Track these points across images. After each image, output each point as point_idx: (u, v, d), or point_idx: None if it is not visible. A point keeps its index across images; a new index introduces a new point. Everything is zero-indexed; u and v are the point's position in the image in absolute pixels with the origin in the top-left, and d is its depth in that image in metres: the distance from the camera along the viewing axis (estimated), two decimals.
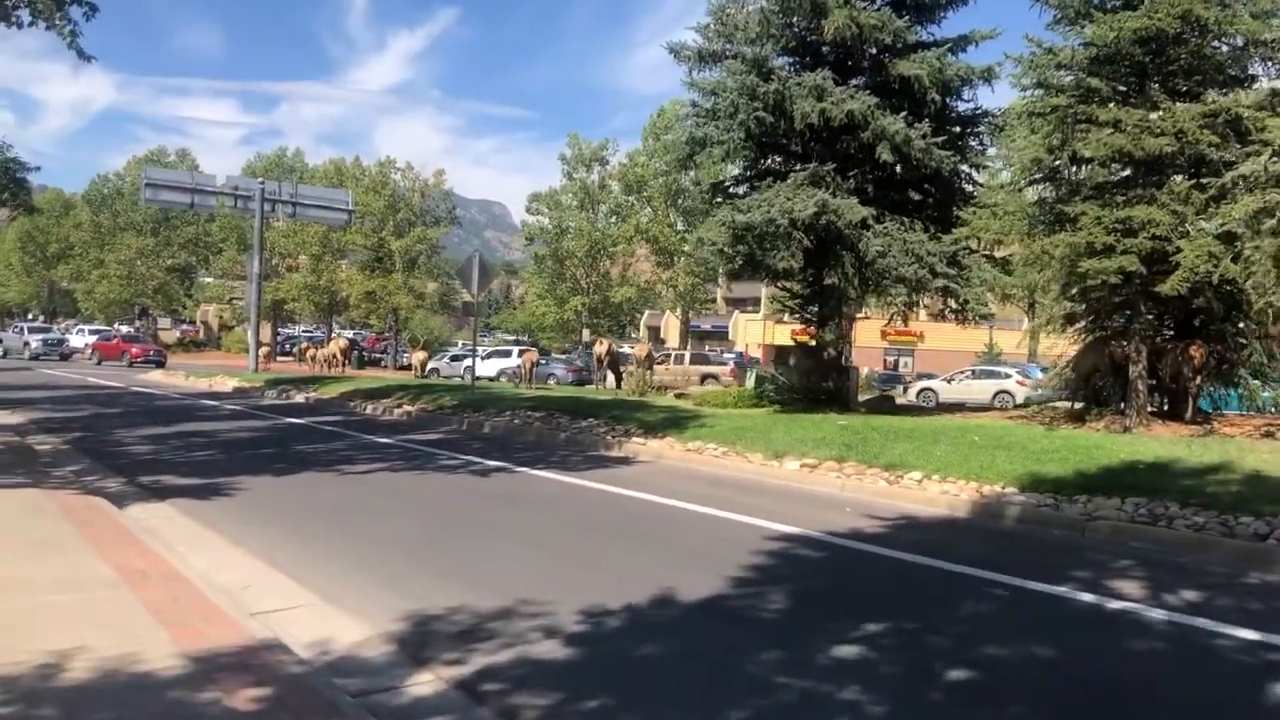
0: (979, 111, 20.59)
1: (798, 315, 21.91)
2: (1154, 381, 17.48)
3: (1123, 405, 16.49)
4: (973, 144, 20.28)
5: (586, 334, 66.68)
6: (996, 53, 59.15)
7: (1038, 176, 15.68)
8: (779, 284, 22.32)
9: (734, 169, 21.66)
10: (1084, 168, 15.02)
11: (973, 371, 41.44)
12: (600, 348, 35.38)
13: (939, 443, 13.45)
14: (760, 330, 73.39)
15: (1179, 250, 13.41)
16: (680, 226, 61.45)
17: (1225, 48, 15.14)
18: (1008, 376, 38.64)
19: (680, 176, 60.09)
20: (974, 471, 11.54)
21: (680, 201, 60.86)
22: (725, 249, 18.11)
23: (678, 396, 26.72)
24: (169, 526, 8.82)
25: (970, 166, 20.23)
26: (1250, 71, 15.52)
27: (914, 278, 17.82)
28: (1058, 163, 14.46)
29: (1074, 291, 16.42)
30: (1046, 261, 14.47)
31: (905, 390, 40.96)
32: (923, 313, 23.83)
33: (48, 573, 6.46)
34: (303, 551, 8.11)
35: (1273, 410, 17.50)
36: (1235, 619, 6.31)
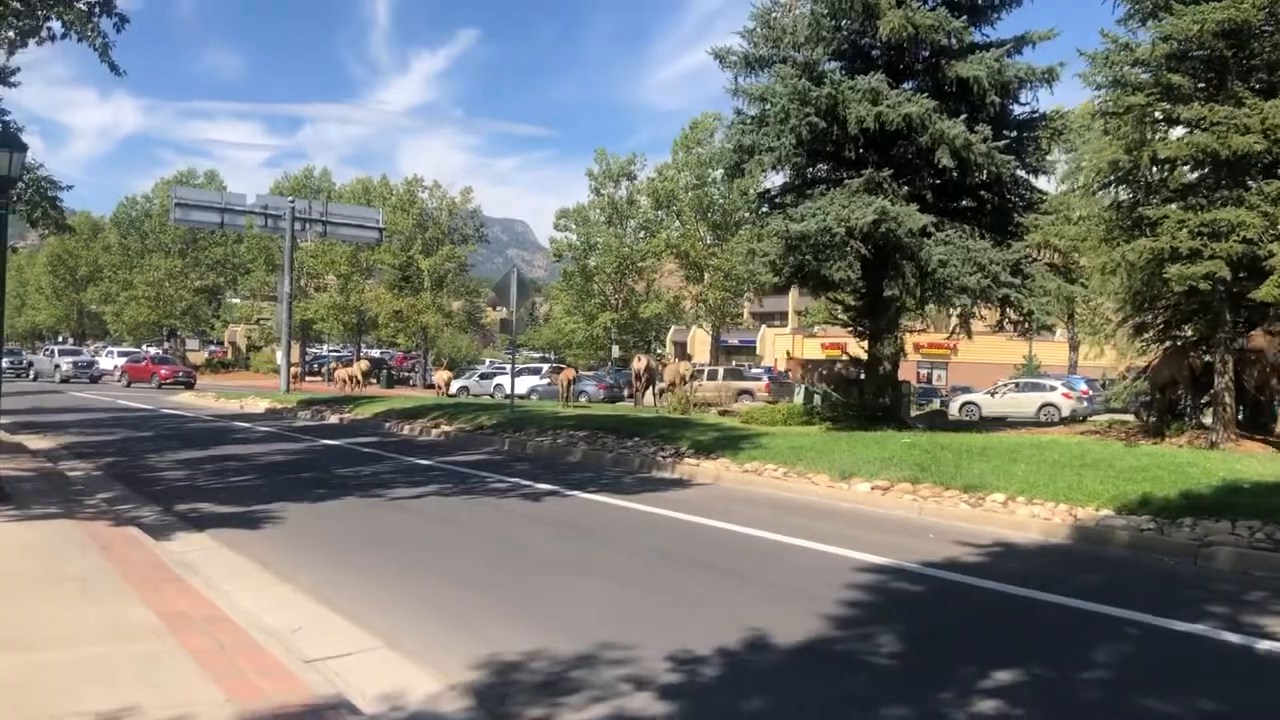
0: (1036, 115, 19.88)
1: (850, 329, 21.21)
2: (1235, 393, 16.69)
3: (1201, 418, 15.70)
4: (1030, 148, 19.51)
5: (616, 350, 66.12)
6: (1053, 55, 58.20)
7: (1111, 179, 14.95)
8: (828, 296, 21.67)
9: (780, 178, 21.07)
10: (1162, 169, 14.25)
11: (1016, 385, 40.48)
12: (639, 364, 34.75)
13: (1017, 461, 12.73)
14: (790, 344, 72.70)
15: (1271, 254, 12.66)
16: (709, 240, 60.79)
17: None
18: (1053, 389, 37.67)
19: (710, 190, 60.02)
20: (1062, 493, 10.82)
21: (710, 215, 60.35)
22: (777, 260, 17.46)
23: (722, 414, 26.05)
24: (209, 560, 8.26)
25: (1029, 172, 19.49)
26: None
27: (977, 287, 17.10)
28: (1137, 164, 13.72)
29: (1146, 301, 15.68)
30: (1129, 268, 13.73)
31: (945, 404, 40.03)
32: (980, 324, 23.05)
33: (85, 619, 5.91)
34: (354, 587, 7.53)
35: None
36: None
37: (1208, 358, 15.95)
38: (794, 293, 72.28)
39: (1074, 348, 53.35)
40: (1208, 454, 12.93)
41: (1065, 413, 34.22)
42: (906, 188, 17.99)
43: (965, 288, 17.08)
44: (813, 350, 68.76)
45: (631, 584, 7.85)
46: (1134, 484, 10.86)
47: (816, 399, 21.88)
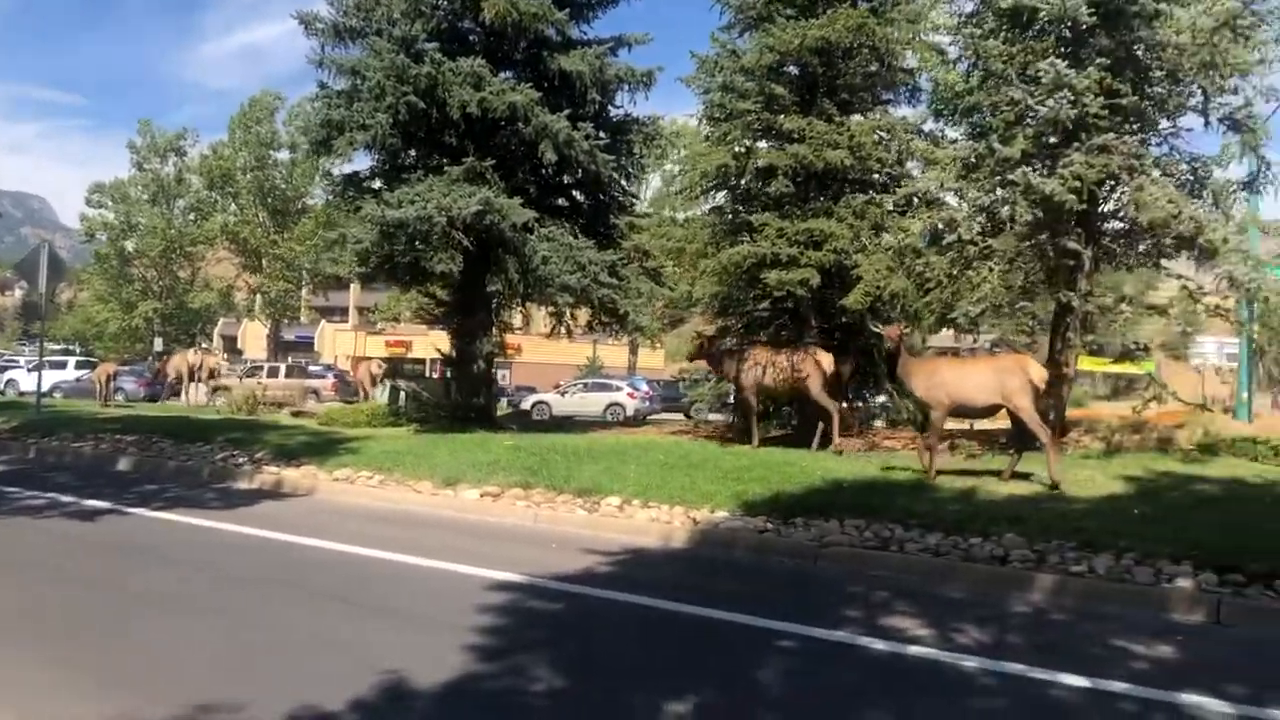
0: (629, 118, 20.31)
1: (444, 325, 20.44)
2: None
3: (778, 419, 16.86)
4: (624, 151, 19.87)
5: (159, 343, 59.92)
6: (649, 59, 60.66)
7: (714, 184, 15.55)
8: (420, 290, 20.76)
9: (368, 160, 19.74)
10: (762, 178, 15.01)
11: (584, 385, 41.93)
12: (180, 360, 31.46)
13: (626, 463, 12.74)
14: (352, 341, 70.49)
15: (857, 265, 13.77)
16: (270, 226, 56.97)
17: (886, 67, 15.92)
18: (619, 389, 39.43)
19: (273, 172, 56.32)
20: (677, 495, 10.90)
21: (271, 200, 56.64)
22: (370, 248, 16.26)
23: (295, 414, 24.14)
24: None
25: (622, 175, 19.87)
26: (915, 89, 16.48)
27: (578, 286, 17.07)
28: (743, 170, 14.34)
29: (735, 305, 16.55)
30: (728, 271, 14.31)
31: (515, 404, 40.43)
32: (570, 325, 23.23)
33: None
34: None
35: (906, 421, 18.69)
36: (1049, 662, 5.92)
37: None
38: (355, 287, 70.06)
39: (634, 350, 56.52)
40: (806, 454, 13.75)
41: (630, 412, 35.89)
42: (508, 180, 17.60)
43: (566, 286, 16.99)
44: (376, 348, 67.23)
45: (237, 623, 6.57)
46: (743, 484, 11.19)
47: (402, 398, 20.87)
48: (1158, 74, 12.88)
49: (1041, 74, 11.93)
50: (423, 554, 8.86)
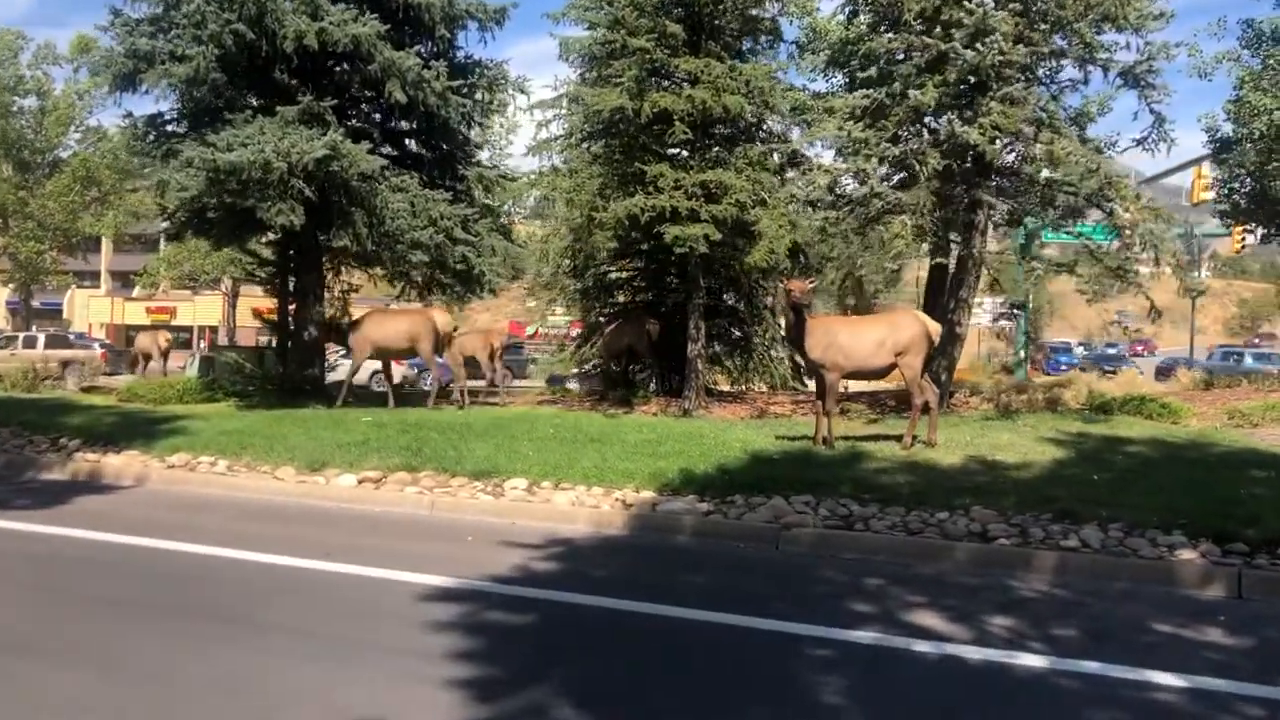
0: (472, 60, 18.75)
1: (267, 286, 18.48)
2: (670, 361, 17.38)
3: (650, 384, 16.08)
4: (469, 94, 18.28)
5: None
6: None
7: (600, 128, 14.38)
8: (244, 248, 18.67)
9: (174, 100, 17.37)
10: (657, 125, 13.91)
11: None
12: None
13: (517, 439, 11.62)
14: (108, 308, 65.09)
15: (758, 220, 13.01)
16: (17, 181, 50.90)
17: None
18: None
19: (18, 120, 50.16)
20: (592, 474, 9.89)
21: (17, 152, 50.63)
22: (199, 197, 14.23)
23: (86, 390, 21.50)
24: None
25: (466, 122, 18.31)
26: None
27: (431, 244, 15.58)
28: (638, 114, 13.23)
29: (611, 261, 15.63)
30: (620, 225, 13.25)
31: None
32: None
33: None
34: None
35: (793, 386, 18.28)
36: (1118, 656, 5.36)
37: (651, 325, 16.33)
38: (108, 248, 64.26)
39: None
40: (702, 423, 13.00)
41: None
42: (351, 123, 15.88)
43: (418, 243, 15.47)
44: (136, 315, 62.43)
45: (115, 671, 5.12)
46: (662, 460, 10.29)
47: (226, 373, 18.76)
48: (1059, 24, 12.66)
49: (963, 17, 11.45)
50: (322, 556, 7.51)
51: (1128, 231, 12.39)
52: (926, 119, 12.26)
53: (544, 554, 7.80)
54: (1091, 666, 5.18)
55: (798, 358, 11.06)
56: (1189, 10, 12.83)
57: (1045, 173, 12.39)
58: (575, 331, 30.50)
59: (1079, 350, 68.69)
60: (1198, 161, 30.78)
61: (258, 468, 11.11)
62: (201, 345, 54.06)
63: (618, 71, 13.58)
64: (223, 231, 16.83)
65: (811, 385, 19.53)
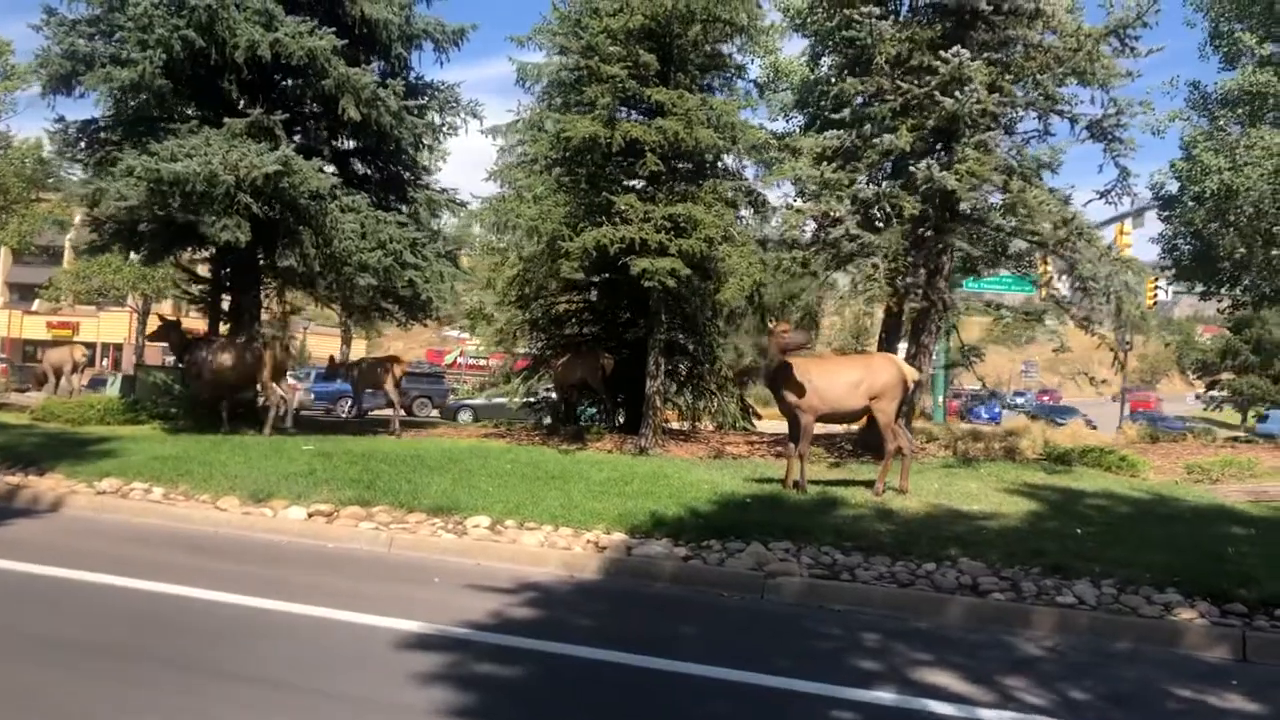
0: (423, 81, 18.35)
1: (203, 305, 17.71)
2: (622, 396, 17.09)
3: (603, 420, 15.75)
4: (420, 116, 17.83)
5: None
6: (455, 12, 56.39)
7: (565, 155, 14.02)
8: (178, 264, 17.91)
9: (105, 107, 16.60)
10: (628, 156, 13.64)
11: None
12: None
13: (473, 474, 11.17)
14: (5, 321, 62.57)
15: (727, 256, 12.79)
16: None
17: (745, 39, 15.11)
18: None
19: None
20: (559, 514, 9.48)
21: None
22: (138, 207, 13.52)
23: None
24: None
25: (415, 145, 17.86)
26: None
27: (379, 266, 15.04)
28: (610, 142, 12.91)
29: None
30: (586, 256, 12.90)
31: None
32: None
33: None
34: None
35: (744, 425, 18.07)
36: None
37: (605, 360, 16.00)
38: (7, 259, 61.73)
39: (345, 340, 52.75)
40: (662, 462, 12.69)
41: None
42: (300, 139, 15.33)
43: (366, 265, 14.93)
44: (36, 329, 60.22)
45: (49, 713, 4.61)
46: (630, 500, 9.95)
47: (154, 394, 17.87)
48: (1028, 76, 12.77)
49: (939, 64, 11.43)
50: (284, 596, 6.99)
51: (1092, 282, 12.48)
52: (899, 163, 12.20)
53: (520, 599, 7.37)
54: None
55: (776, 399, 10.82)
56: (1142, 67, 12.94)
57: (1012, 221, 12.41)
58: (494, 363, 30.04)
59: (1017, 400, 70.17)
60: (1124, 217, 31.64)
61: (197, 497, 10.46)
62: (104, 364, 52.19)
63: (588, 99, 13.30)
64: (155, 245, 16.10)
65: (761, 426, 19.56)
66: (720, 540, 8.75)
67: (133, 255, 20.76)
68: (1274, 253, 19.47)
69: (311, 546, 9.06)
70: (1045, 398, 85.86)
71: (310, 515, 9.74)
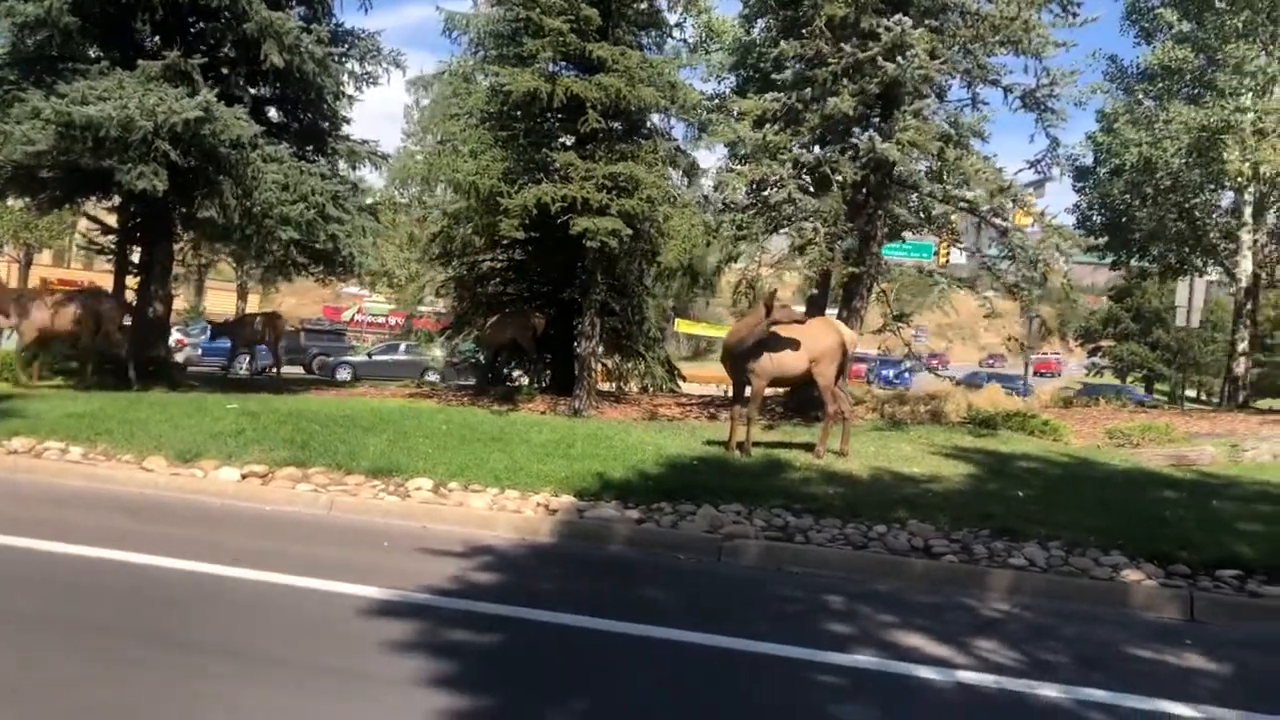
0: (344, 29, 17.68)
1: (113, 257, 16.88)
2: (550, 357, 16.94)
3: (533, 381, 15.61)
4: (338, 64, 17.17)
5: None
6: None
7: (502, 110, 13.63)
8: (87, 214, 17.05)
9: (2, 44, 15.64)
10: (569, 113, 13.30)
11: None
12: None
13: (409, 435, 10.93)
14: None
15: (668, 217, 12.67)
16: None
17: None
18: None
19: None
20: (504, 476, 9.33)
21: None
22: (47, 152, 12.76)
23: None
24: None
25: (340, 95, 17.27)
26: None
27: (301, 220, 14.52)
28: (551, 98, 12.58)
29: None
30: (525, 213, 12.60)
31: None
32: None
33: None
34: None
35: (670, 387, 18.02)
36: (1117, 684, 5.30)
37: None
38: None
39: (242, 295, 51.18)
40: (601, 424, 12.59)
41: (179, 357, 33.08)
42: (219, 85, 14.62)
43: (288, 219, 14.39)
44: None
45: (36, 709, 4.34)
46: (576, 463, 9.85)
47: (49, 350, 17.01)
48: (958, 44, 12.87)
49: (880, 30, 11.43)
50: (232, 561, 6.72)
51: (1021, 250, 12.75)
52: (840, 127, 12.21)
53: (476, 563, 7.22)
54: (1101, 695, 5.07)
55: (732, 364, 10.82)
56: (1074, 37, 13.18)
57: (940, 187, 12.56)
58: (398, 320, 29.33)
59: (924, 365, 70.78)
60: (1031, 185, 32.43)
61: (119, 457, 10.00)
62: None
63: (527, 52, 12.94)
64: (56, 193, 15.29)
65: (686, 388, 19.62)
66: (671, 503, 8.71)
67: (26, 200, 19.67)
68: (1183, 225, 20.28)
69: (248, 509, 8.75)
70: (935, 361, 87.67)
71: (244, 476, 9.40)
